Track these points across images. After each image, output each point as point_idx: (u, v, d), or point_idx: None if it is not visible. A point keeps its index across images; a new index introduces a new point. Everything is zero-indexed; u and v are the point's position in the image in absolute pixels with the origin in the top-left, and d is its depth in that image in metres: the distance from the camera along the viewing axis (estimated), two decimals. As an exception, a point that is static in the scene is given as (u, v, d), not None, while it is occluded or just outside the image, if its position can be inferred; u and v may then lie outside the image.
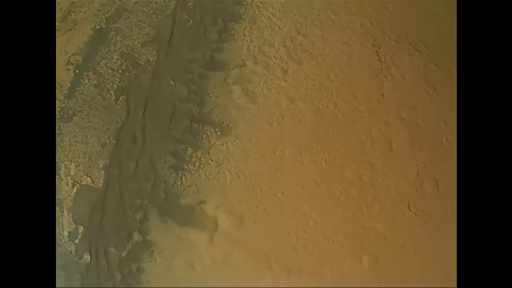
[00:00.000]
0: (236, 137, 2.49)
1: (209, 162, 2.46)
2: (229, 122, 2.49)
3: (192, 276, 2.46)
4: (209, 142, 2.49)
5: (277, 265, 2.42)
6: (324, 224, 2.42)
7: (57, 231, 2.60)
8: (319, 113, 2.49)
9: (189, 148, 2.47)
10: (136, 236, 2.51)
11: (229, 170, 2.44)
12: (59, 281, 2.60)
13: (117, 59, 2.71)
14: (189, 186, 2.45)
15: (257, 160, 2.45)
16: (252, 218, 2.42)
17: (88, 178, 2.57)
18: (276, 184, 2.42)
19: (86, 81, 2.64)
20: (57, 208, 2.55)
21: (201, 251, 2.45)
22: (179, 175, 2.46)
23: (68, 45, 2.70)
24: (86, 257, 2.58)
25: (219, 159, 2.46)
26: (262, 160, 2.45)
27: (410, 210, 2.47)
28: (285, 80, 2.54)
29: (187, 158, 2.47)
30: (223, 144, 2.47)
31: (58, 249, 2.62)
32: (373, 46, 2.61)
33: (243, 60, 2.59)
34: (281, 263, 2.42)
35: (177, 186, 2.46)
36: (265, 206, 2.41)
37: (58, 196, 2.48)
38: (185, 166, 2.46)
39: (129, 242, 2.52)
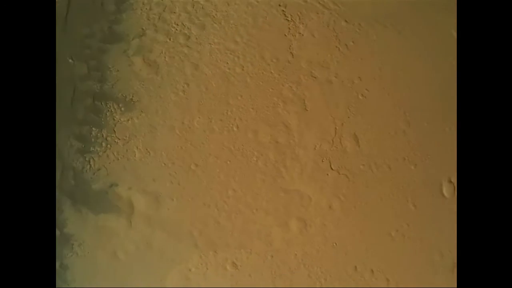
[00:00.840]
0: (141, 111, 2.34)
1: (116, 140, 2.31)
2: (133, 96, 2.34)
3: (117, 266, 2.33)
4: (114, 120, 2.33)
5: (203, 242, 2.33)
6: (244, 192, 2.33)
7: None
8: (226, 77, 2.38)
9: (93, 129, 2.31)
10: (52, 230, 2.34)
11: (137, 147, 2.30)
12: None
13: (10, 43, 2.48)
14: (99, 169, 2.30)
15: (166, 133, 2.32)
16: (168, 195, 2.30)
17: None
18: (188, 156, 2.31)
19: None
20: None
21: (122, 237, 2.32)
22: (87, 159, 2.30)
23: None
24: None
25: (126, 136, 2.31)
26: (171, 132, 2.32)
27: (332, 169, 2.42)
28: (188, 47, 2.40)
29: (93, 140, 2.31)
30: (128, 120, 2.32)
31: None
32: (279, 5, 2.50)
33: (143, 29, 2.42)
34: (206, 238, 2.33)
35: (86, 171, 2.31)
36: (179, 180, 2.30)
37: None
38: (91, 149, 2.30)
39: (46, 237, 2.35)
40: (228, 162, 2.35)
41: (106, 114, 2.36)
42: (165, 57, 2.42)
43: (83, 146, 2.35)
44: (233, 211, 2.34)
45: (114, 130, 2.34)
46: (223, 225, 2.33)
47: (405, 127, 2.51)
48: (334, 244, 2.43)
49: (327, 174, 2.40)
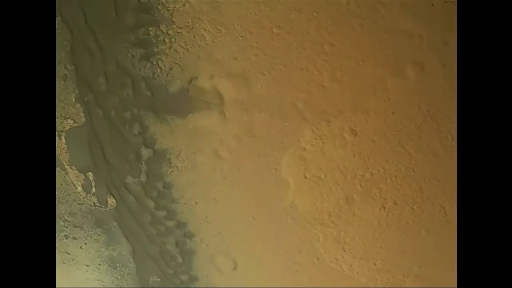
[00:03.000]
0: (197, -13, 1.93)
1: (179, 31, 1.96)
2: (181, -26, 1.94)
3: (223, 166, 2.08)
4: (168, 10, 1.96)
5: (311, 113, 1.98)
6: (343, 43, 1.91)
7: (70, 190, 2.28)
8: None
9: (150, 28, 1.97)
10: (144, 152, 2.13)
11: (205, 29, 1.93)
12: (101, 239, 2.41)
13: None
14: (171, 68, 1.98)
15: (232, 1, 1.90)
16: (257, 70, 1.94)
17: (69, 120, 2.17)
18: (266, 20, 1.90)
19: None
20: (58, 169, 2.30)
21: (220, 133, 2.03)
22: (155, 62, 1.99)
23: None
24: (111, 201, 2.28)
25: (188, 22, 1.95)
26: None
27: (447, -9, 1.89)
28: None
29: (153, 40, 1.98)
30: (184, 4, 1.95)
31: (82, 208, 2.34)
32: None
33: None
34: (314, 108, 1.97)
35: (158, 76, 2.00)
36: (265, 50, 1.92)
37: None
38: (155, 50, 1.98)
39: (141, 162, 2.15)
40: (315, 14, 1.90)
41: (158, 7, 2.00)
42: None
43: (145, 51, 2.03)
44: (337, 68, 1.93)
45: (173, 21, 1.98)
46: (329, 88, 1.94)
47: None
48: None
49: (432, 5, 1.88)
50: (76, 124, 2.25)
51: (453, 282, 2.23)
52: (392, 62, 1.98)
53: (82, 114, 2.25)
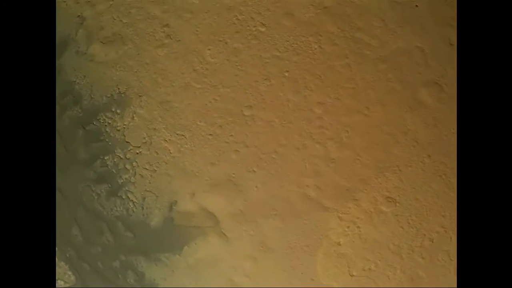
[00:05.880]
0: (139, 95, 1.56)
1: (138, 151, 1.58)
2: (118, 87, 1.59)
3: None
4: (118, 130, 1.60)
5: (329, 198, 1.58)
6: (336, 97, 1.48)
7: None
8: None
9: (106, 158, 1.60)
10: (145, 299, 1.71)
11: (165, 139, 1.55)
12: None
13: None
14: (144, 198, 1.60)
15: (185, 96, 1.50)
16: (244, 168, 1.53)
17: (59, 281, 1.91)
18: (233, 103, 1.53)
19: None
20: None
21: (228, 260, 1.64)
22: (124, 197, 1.61)
23: None
24: None
25: (145, 138, 1.56)
26: (188, 90, 1.52)
27: None
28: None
29: (114, 170, 1.60)
30: (132, 118, 1.57)
31: None
32: None
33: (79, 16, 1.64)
34: (331, 190, 1.57)
35: (133, 211, 1.61)
36: (244, 141, 1.53)
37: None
38: (120, 181, 1.60)
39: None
40: (286, 74, 1.49)
41: (106, 131, 1.63)
42: (121, 20, 1.62)
43: (109, 185, 1.64)
44: (340, 130, 1.51)
45: (127, 141, 1.60)
46: (339, 158, 1.52)
47: None
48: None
49: (417, 6, 1.50)
50: (67, 285, 1.87)
51: None
52: (402, 94, 1.52)
53: (69, 273, 1.88)
